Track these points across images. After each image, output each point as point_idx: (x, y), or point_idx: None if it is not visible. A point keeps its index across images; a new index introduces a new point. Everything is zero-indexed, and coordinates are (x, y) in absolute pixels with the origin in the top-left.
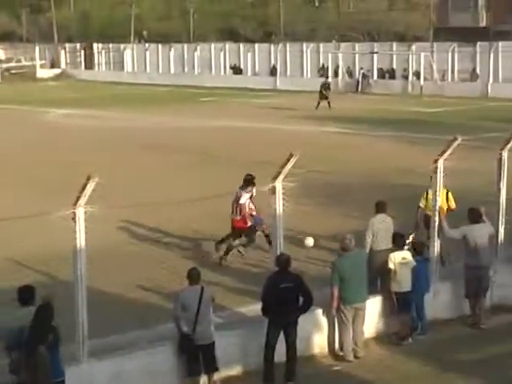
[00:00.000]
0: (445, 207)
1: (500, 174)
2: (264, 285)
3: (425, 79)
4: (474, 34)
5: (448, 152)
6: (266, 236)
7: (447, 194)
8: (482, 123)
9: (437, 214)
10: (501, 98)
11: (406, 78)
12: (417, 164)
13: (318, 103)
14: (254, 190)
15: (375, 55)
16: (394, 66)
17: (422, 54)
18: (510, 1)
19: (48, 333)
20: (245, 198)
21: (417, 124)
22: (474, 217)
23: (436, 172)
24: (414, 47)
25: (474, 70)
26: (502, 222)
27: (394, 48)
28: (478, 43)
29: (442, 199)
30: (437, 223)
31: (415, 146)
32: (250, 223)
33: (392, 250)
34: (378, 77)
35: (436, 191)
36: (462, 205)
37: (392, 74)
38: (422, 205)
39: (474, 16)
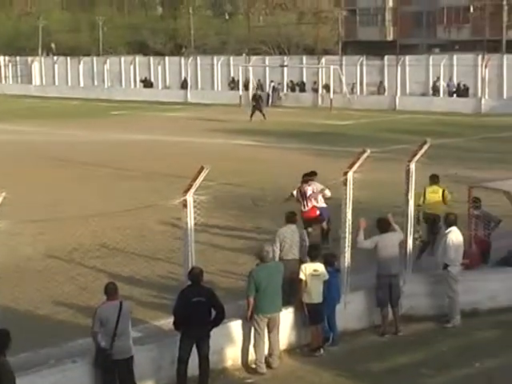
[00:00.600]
0: (441, 205)
1: (408, 185)
2: (176, 299)
3: (334, 92)
4: (382, 47)
5: (357, 164)
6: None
7: (443, 192)
8: (390, 135)
9: (347, 225)
10: (408, 111)
11: (316, 91)
12: (327, 176)
13: (252, 115)
14: (317, 185)
15: (285, 68)
16: (304, 79)
17: (332, 67)
18: (415, 16)
19: None
20: (310, 191)
21: (327, 136)
22: (383, 226)
23: (346, 184)
24: (323, 60)
25: (381, 82)
26: (411, 232)
27: (304, 61)
28: (386, 56)
29: (438, 197)
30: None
31: (326, 159)
32: (318, 212)
33: (301, 261)
34: (289, 90)
35: (347, 204)
36: (371, 215)
37: (302, 87)
38: (420, 202)
39: (381, 30)
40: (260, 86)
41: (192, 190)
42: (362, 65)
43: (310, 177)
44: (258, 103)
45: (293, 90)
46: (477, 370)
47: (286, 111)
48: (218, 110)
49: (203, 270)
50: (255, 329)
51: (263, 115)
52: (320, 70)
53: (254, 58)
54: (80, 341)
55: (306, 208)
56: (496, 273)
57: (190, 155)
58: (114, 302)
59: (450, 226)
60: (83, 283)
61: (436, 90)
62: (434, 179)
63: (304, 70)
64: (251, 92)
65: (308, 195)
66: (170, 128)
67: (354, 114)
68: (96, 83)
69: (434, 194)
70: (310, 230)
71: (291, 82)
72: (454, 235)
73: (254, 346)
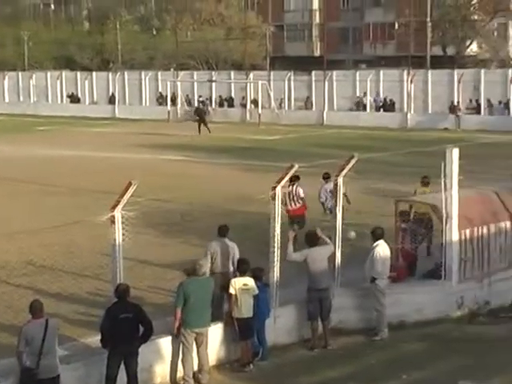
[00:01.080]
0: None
1: (336, 199)
2: (103, 316)
3: (262, 107)
4: (309, 62)
5: (285, 179)
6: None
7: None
8: (318, 150)
9: (276, 239)
10: (336, 126)
11: (244, 106)
12: (256, 191)
13: (199, 129)
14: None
15: (214, 83)
16: (233, 95)
17: (260, 83)
18: (342, 32)
19: None
20: (302, 194)
21: (256, 152)
22: (311, 240)
23: (274, 199)
24: (251, 75)
25: (309, 98)
26: (339, 245)
27: (232, 76)
28: (313, 72)
29: None
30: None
31: (254, 174)
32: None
33: (231, 274)
34: (217, 105)
35: (275, 218)
36: (302, 229)
37: (231, 102)
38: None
39: (308, 46)
40: (188, 100)
41: (120, 206)
42: (289, 80)
43: (297, 179)
44: (201, 117)
45: (221, 105)
46: (404, 382)
47: (215, 126)
48: (146, 125)
49: (130, 287)
50: (183, 344)
51: (208, 129)
52: (248, 85)
53: (182, 73)
54: (4, 361)
55: (297, 206)
56: (422, 285)
57: (117, 171)
58: (39, 319)
59: (377, 239)
60: (8, 302)
61: (359, 106)
62: (425, 181)
63: (232, 85)
64: (183, 107)
65: (302, 195)
66: (97, 143)
67: (282, 129)
68: (22, 98)
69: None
70: (295, 227)
71: (220, 97)
72: (381, 249)
73: (182, 361)
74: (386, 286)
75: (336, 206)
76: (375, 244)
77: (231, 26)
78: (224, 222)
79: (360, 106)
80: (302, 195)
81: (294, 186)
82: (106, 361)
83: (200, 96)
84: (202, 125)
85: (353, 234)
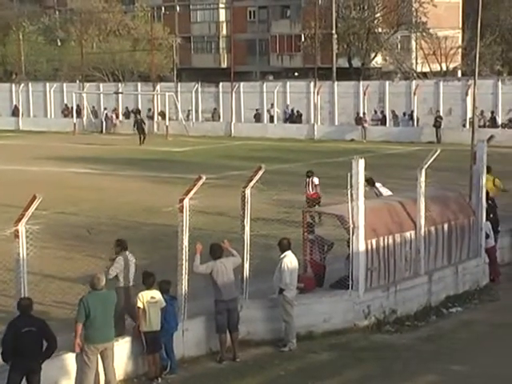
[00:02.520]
0: (493, 190)
1: (244, 211)
2: (5, 329)
3: (170, 119)
4: (217, 74)
5: (193, 191)
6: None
7: (494, 180)
8: (226, 162)
9: (184, 252)
10: (244, 137)
11: (152, 118)
12: (164, 203)
13: (140, 140)
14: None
15: (120, 95)
16: (140, 106)
17: (167, 94)
18: (249, 43)
19: None
20: (317, 181)
21: (164, 163)
22: (216, 252)
23: (182, 211)
24: (158, 87)
25: (216, 109)
26: (247, 258)
27: (139, 88)
28: (221, 83)
29: (490, 185)
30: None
31: (162, 186)
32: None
33: (136, 288)
34: (124, 117)
35: (183, 231)
36: (208, 242)
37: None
38: None
39: (215, 57)
40: (94, 112)
41: (24, 220)
42: (197, 92)
43: (312, 173)
44: (140, 128)
45: (128, 117)
46: None
47: (122, 138)
48: (51, 137)
49: (33, 301)
50: (84, 360)
51: (143, 140)
52: (155, 96)
53: (88, 84)
54: None
55: (313, 191)
56: (330, 295)
57: (21, 184)
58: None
59: (284, 250)
60: None
61: (259, 118)
62: (488, 169)
63: (139, 96)
64: (89, 118)
65: (317, 184)
66: (0, 156)
67: (190, 140)
68: None
69: (488, 181)
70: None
71: (126, 108)
72: (289, 260)
73: (82, 378)
74: (294, 297)
75: (244, 217)
76: (282, 255)
77: (138, 38)
78: (131, 236)
79: (260, 118)
80: (316, 183)
81: (310, 178)
82: (7, 376)
83: (105, 108)
84: (141, 136)
85: None
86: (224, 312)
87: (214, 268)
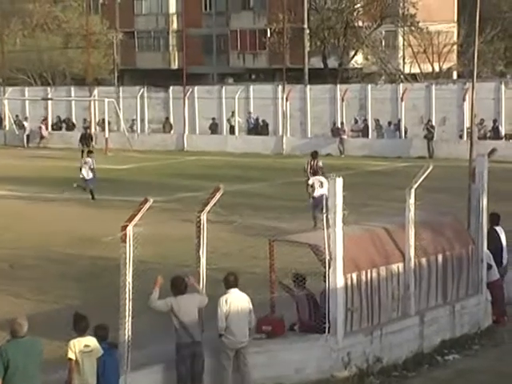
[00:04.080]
0: None
1: (200, 240)
2: None
3: (110, 130)
4: (166, 76)
5: (138, 216)
6: None
7: None
8: (178, 181)
9: (127, 289)
10: (199, 152)
11: (87, 129)
12: (103, 232)
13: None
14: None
15: (50, 102)
16: (73, 115)
17: (106, 100)
18: (204, 40)
19: None
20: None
21: (102, 184)
22: (177, 287)
23: (125, 241)
24: (96, 92)
25: (168, 119)
26: (203, 293)
27: (73, 93)
28: (171, 87)
29: None
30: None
31: (101, 211)
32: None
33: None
34: (54, 128)
35: (127, 264)
36: (153, 277)
37: (71, 125)
38: None
39: (164, 57)
40: (18, 122)
41: None
42: (142, 97)
43: (316, 154)
44: (86, 144)
45: (59, 128)
46: None
47: (51, 153)
48: None
49: None
50: None
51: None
52: (92, 103)
53: (10, 89)
54: None
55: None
56: (303, 341)
57: None
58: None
59: (229, 287)
60: None
61: (215, 129)
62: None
63: (73, 103)
64: (11, 130)
65: (321, 165)
66: None
67: (134, 156)
68: None
69: None
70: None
71: (58, 117)
72: (228, 299)
73: None
74: (234, 343)
75: (200, 248)
76: (227, 294)
77: (70, 33)
78: (64, 271)
79: (218, 129)
80: (320, 165)
81: (315, 161)
82: None
83: (25, 117)
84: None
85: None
86: (187, 359)
87: (174, 305)
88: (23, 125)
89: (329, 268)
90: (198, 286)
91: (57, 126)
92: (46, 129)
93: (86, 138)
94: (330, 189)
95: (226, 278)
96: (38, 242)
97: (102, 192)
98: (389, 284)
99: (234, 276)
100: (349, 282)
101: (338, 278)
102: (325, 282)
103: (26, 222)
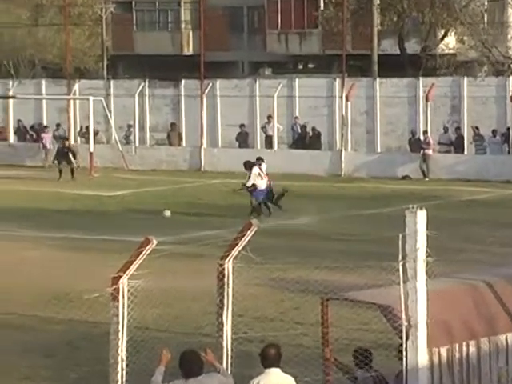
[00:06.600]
0: None
1: (223, 298)
2: None
3: (96, 142)
4: (176, 66)
5: (136, 264)
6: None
7: None
8: (191, 214)
9: (120, 367)
10: (222, 172)
11: (65, 139)
12: (86, 285)
13: (60, 174)
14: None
15: (11, 101)
16: (45, 120)
17: (91, 99)
18: (229, 14)
19: None
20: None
21: (84, 218)
22: (191, 366)
23: (117, 298)
24: (77, 87)
25: (175, 124)
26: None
27: (44, 89)
28: (183, 81)
29: None
30: None
31: (83, 255)
32: None
33: None
34: (17, 137)
35: (119, 331)
36: (158, 349)
37: (40, 133)
38: None
39: (174, 38)
40: None
41: None
42: (143, 95)
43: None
44: (65, 158)
45: (23, 137)
46: None
47: (10, 174)
48: None
49: None
50: None
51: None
52: (72, 103)
53: None
54: None
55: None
56: None
57: None
58: None
59: (268, 366)
60: None
61: (245, 141)
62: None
63: (44, 103)
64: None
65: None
66: None
67: (130, 178)
68: None
69: None
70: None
71: (19, 122)
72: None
73: None
74: None
75: (222, 309)
76: (257, 377)
77: (42, 3)
78: (25, 340)
79: (248, 139)
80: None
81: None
82: None
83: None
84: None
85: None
86: None
87: None
88: None
89: (407, 339)
90: (219, 363)
91: (19, 135)
92: (6, 139)
93: (63, 155)
94: (409, 226)
95: (264, 351)
96: None
97: (83, 229)
98: (493, 363)
99: (277, 350)
100: (436, 360)
101: (421, 354)
102: (401, 359)
103: None
